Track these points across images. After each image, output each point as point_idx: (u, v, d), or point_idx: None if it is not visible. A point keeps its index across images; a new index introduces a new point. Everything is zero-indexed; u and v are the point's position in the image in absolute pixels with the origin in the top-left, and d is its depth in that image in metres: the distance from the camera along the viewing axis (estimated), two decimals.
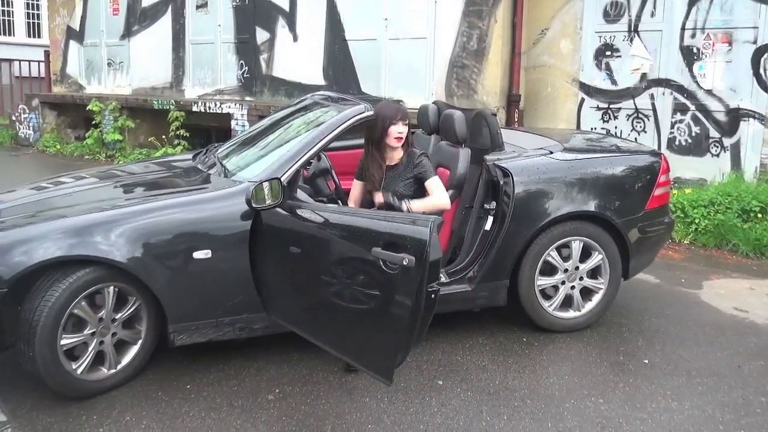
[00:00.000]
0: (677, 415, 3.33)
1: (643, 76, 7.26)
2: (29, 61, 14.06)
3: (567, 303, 4.26)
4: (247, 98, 9.94)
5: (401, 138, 3.97)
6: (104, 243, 3.31)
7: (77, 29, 12.58)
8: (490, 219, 4.09)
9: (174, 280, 3.42)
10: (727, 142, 6.83)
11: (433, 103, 4.87)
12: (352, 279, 3.22)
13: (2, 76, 13.80)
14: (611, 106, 7.52)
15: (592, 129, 7.57)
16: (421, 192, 4.00)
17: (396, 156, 4.03)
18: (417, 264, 2.95)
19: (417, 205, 3.88)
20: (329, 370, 3.72)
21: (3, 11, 17.00)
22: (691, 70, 6.95)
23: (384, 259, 3.06)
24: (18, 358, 3.29)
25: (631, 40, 7.29)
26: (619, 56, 7.40)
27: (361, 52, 8.68)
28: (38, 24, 17.46)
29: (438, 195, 3.90)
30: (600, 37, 7.51)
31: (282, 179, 3.54)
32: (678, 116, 7.09)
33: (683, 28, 6.96)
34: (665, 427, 3.22)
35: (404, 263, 2.99)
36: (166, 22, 10.99)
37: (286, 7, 9.39)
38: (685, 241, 6.33)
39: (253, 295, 3.57)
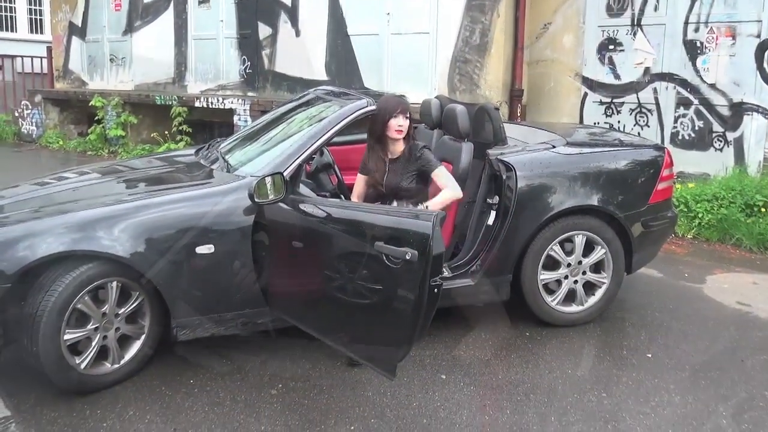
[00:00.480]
0: (680, 409, 3.33)
1: (646, 70, 7.24)
2: (32, 57, 14.05)
3: (570, 297, 4.26)
4: (250, 93, 9.94)
5: (401, 131, 3.96)
6: (107, 238, 3.31)
7: (79, 25, 12.58)
8: (493, 213, 4.09)
9: (177, 275, 3.42)
10: (731, 136, 6.81)
11: (435, 97, 4.86)
12: (355, 273, 3.22)
13: (5, 72, 13.80)
14: (614, 101, 7.50)
15: (595, 123, 7.56)
16: (424, 185, 3.99)
17: (398, 149, 4.03)
18: (420, 258, 2.95)
19: (435, 204, 3.81)
20: (332, 364, 3.72)
21: (5, 7, 17.00)
22: (694, 64, 6.92)
23: (387, 253, 3.06)
24: (21, 353, 3.30)
25: (634, 34, 7.27)
26: (622, 50, 7.38)
27: (363, 47, 8.67)
28: (40, 20, 17.45)
29: (450, 188, 3.89)
30: (603, 31, 7.49)
31: (284, 174, 3.54)
32: (681, 110, 7.06)
33: (686, 22, 6.93)
34: (668, 421, 3.22)
35: (407, 257, 2.99)
36: (168, 17, 10.99)
37: (288, 1, 9.38)
38: (689, 236, 6.31)
39: (255, 290, 3.58)
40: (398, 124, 3.94)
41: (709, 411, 3.31)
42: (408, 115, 3.99)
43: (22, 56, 14.10)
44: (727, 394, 3.47)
